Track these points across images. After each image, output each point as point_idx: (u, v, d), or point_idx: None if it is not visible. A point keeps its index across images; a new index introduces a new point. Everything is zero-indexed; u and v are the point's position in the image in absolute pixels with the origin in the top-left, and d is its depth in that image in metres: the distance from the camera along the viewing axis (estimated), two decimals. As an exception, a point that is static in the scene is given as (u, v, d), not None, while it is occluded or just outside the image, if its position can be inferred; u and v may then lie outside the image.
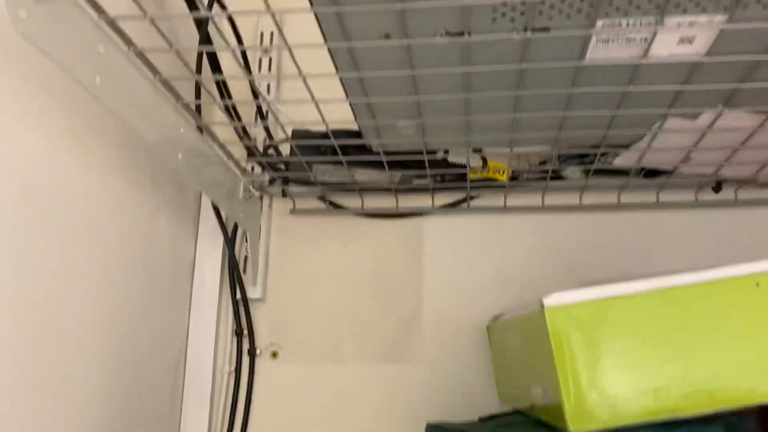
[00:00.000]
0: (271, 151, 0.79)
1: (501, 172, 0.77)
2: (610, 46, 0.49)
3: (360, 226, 0.85)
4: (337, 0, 0.44)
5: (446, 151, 0.76)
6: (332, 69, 0.53)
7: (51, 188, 0.54)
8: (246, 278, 0.82)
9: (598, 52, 0.50)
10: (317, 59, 0.54)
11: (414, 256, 0.83)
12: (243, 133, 0.78)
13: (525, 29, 0.47)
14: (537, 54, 0.50)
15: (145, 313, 0.70)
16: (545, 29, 0.47)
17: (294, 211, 0.85)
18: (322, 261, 0.84)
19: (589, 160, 0.72)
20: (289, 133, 0.71)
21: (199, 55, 0.75)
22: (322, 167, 0.74)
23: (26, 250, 0.50)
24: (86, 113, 0.58)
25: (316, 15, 0.46)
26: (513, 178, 0.79)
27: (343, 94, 0.57)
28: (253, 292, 0.82)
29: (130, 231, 0.67)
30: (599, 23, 0.46)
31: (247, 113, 0.87)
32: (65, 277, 0.55)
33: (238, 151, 0.79)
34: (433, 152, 0.72)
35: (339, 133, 0.69)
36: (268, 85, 0.89)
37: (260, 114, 0.84)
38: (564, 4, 0.44)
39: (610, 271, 0.79)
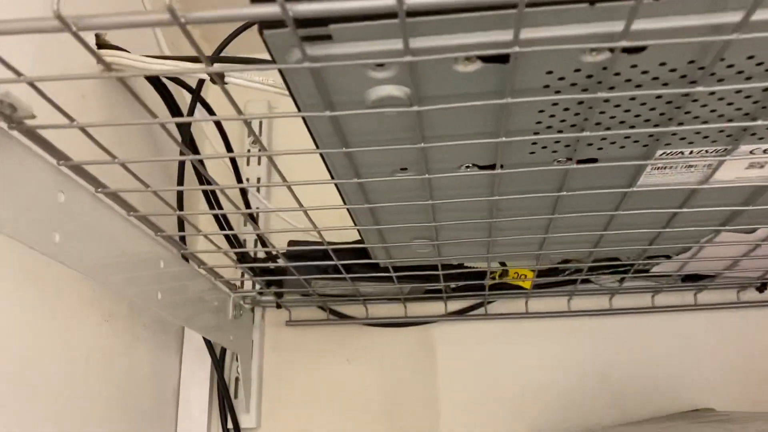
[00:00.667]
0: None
1: (523, 278, 0.69)
2: (667, 173, 0.41)
3: (365, 337, 0.76)
4: (347, 141, 0.36)
5: (463, 265, 0.68)
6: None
7: (9, 337, 0.45)
8: (238, 404, 0.73)
9: (651, 179, 0.42)
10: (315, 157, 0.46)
11: (427, 369, 0.74)
12: (234, 242, 0.70)
13: (568, 159, 0.39)
14: (578, 182, 0.43)
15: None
16: (592, 160, 0.39)
17: (290, 323, 0.76)
18: (323, 379, 0.75)
19: (624, 270, 0.64)
20: (283, 244, 0.62)
21: (179, 194, 0.67)
22: (322, 282, 0.65)
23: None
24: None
25: (321, 156, 0.38)
26: (539, 284, 0.71)
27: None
28: (246, 421, 0.72)
29: (105, 370, 0.58)
30: (658, 152, 0.39)
31: (236, 218, 0.78)
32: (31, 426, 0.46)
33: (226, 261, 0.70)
34: (449, 264, 0.64)
35: (342, 251, 0.61)
36: (258, 179, 0.82)
37: (252, 219, 0.76)
38: (618, 136, 0.37)
39: (644, 377, 0.70)
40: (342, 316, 0.76)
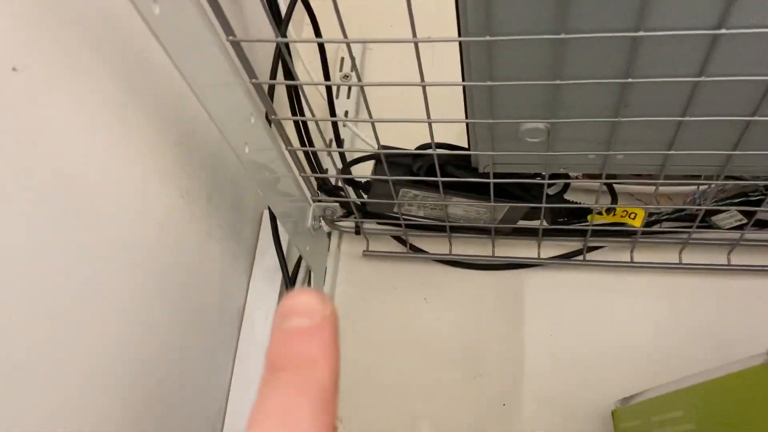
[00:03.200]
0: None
1: (632, 216, 0.62)
2: None
3: (446, 277, 0.70)
4: None
5: (566, 185, 0.61)
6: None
7: (89, 187, 0.41)
8: (305, 330, 0.67)
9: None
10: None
11: (514, 318, 0.67)
12: (313, 157, 0.65)
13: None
14: (745, 18, 0.37)
15: (181, 359, 0.56)
16: (773, -34, 0.33)
17: (367, 253, 0.70)
18: (397, 317, 0.69)
19: (756, 199, 0.56)
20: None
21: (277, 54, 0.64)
22: (411, 192, 0.60)
23: (49, 260, 0.37)
24: (138, 90, 0.47)
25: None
26: (650, 224, 0.64)
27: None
28: (312, 348, 0.67)
29: (176, 254, 0.54)
30: None
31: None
32: (89, 299, 0.42)
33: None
34: (554, 178, 0.57)
35: (439, 147, 0.56)
36: (346, 112, 0.78)
37: (337, 138, 0.72)
38: None
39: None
40: (423, 252, 0.70)
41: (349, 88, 0.79)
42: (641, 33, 0.38)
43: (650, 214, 0.62)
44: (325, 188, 0.64)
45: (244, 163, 0.47)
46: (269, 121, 0.52)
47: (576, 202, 0.63)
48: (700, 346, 0.63)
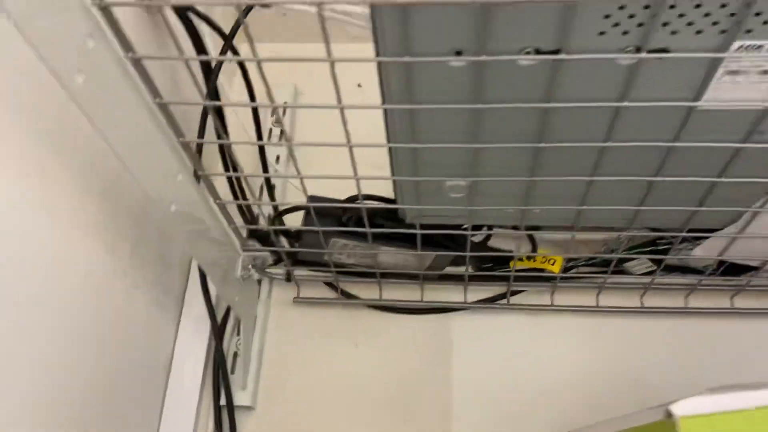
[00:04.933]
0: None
1: (552, 262, 0.65)
2: (738, 81, 0.38)
3: (377, 322, 0.71)
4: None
5: (489, 233, 0.64)
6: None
7: (10, 239, 0.40)
8: (234, 380, 0.67)
9: (720, 91, 0.39)
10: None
11: (442, 360, 0.68)
12: (244, 202, 0.66)
13: (638, 50, 0.37)
14: (641, 90, 0.40)
15: (105, 414, 0.54)
16: (663, 50, 0.37)
17: (298, 300, 0.71)
18: (327, 363, 0.69)
19: (663, 248, 0.60)
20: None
21: (204, 113, 0.65)
22: (341, 241, 0.61)
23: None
24: (61, 145, 0.46)
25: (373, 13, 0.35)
26: (567, 270, 0.67)
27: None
28: (241, 398, 0.66)
29: (99, 306, 0.53)
30: (735, 45, 0.36)
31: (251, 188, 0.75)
32: (7, 350, 0.41)
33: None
34: (477, 228, 0.60)
35: (369, 198, 0.58)
36: (278, 157, 0.79)
37: (268, 186, 0.73)
38: (698, 12, 0.34)
39: (685, 384, 0.65)
40: (354, 298, 0.71)
41: (281, 133, 0.80)
42: (552, 104, 0.41)
43: (568, 260, 0.66)
44: (258, 234, 0.65)
45: (170, 220, 0.47)
46: (198, 177, 0.52)
47: (499, 250, 0.66)
48: (617, 386, 0.66)
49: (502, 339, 0.69)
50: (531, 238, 0.66)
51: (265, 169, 0.71)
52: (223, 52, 0.65)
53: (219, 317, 0.68)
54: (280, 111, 0.83)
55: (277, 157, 0.79)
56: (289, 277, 0.70)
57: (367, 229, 0.57)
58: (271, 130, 0.81)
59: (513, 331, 0.69)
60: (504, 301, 0.69)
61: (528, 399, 0.66)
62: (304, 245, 0.63)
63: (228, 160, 0.64)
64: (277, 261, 0.69)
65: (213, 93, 0.62)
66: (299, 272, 0.70)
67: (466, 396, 0.67)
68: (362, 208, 0.55)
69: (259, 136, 0.68)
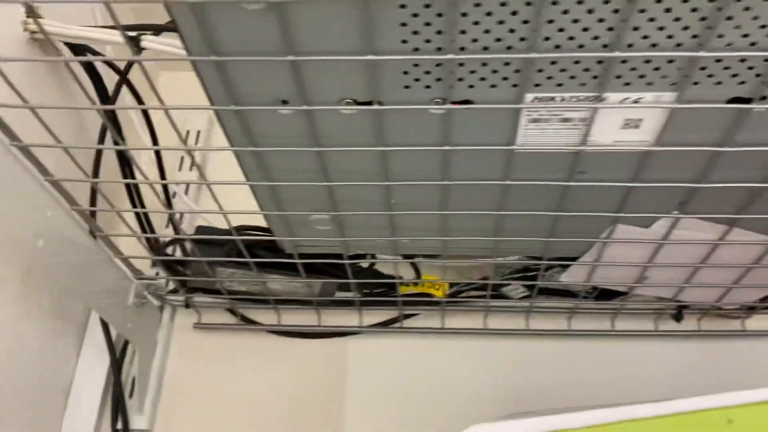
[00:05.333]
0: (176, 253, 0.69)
1: (437, 287, 0.68)
2: (544, 128, 0.42)
3: (275, 346, 0.73)
4: (217, 51, 0.37)
5: (373, 260, 0.67)
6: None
7: None
8: (132, 405, 0.68)
9: (530, 136, 0.43)
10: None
11: (336, 383, 0.71)
12: (147, 228, 0.68)
13: (444, 101, 0.40)
14: (462, 137, 0.43)
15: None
16: (468, 102, 0.40)
17: (198, 326, 0.73)
18: (226, 387, 0.71)
19: (532, 276, 0.64)
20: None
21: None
22: (228, 270, 0.64)
23: None
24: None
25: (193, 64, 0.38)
26: (452, 294, 0.70)
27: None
28: (138, 422, 0.68)
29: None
30: (528, 96, 0.39)
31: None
32: None
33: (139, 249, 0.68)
34: (358, 257, 0.62)
35: (247, 230, 0.60)
36: (187, 187, 0.81)
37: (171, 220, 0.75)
38: (486, 69, 0.37)
39: (561, 404, 0.68)
40: (252, 323, 0.73)
41: (192, 162, 0.83)
42: (381, 148, 0.44)
43: (452, 285, 0.68)
44: (164, 262, 0.67)
45: (37, 255, 0.49)
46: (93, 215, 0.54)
47: (386, 276, 0.68)
48: (503, 404, 0.69)
49: (396, 361, 0.72)
50: (414, 265, 0.69)
51: (169, 202, 0.73)
52: (119, 85, 0.67)
53: (121, 344, 0.70)
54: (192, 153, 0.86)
55: (186, 187, 0.81)
56: (188, 304, 0.72)
57: (245, 259, 0.59)
58: (182, 158, 0.83)
59: (406, 353, 0.72)
60: (397, 324, 0.72)
61: (419, 418, 0.69)
62: (194, 274, 0.65)
63: (134, 196, 0.66)
64: (189, 289, 0.71)
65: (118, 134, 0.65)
66: (201, 298, 0.72)
67: (358, 416, 0.69)
68: (237, 240, 0.57)
69: (162, 169, 0.71)
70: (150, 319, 0.71)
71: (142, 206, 0.67)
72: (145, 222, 0.68)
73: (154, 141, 0.70)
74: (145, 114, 0.70)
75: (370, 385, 0.70)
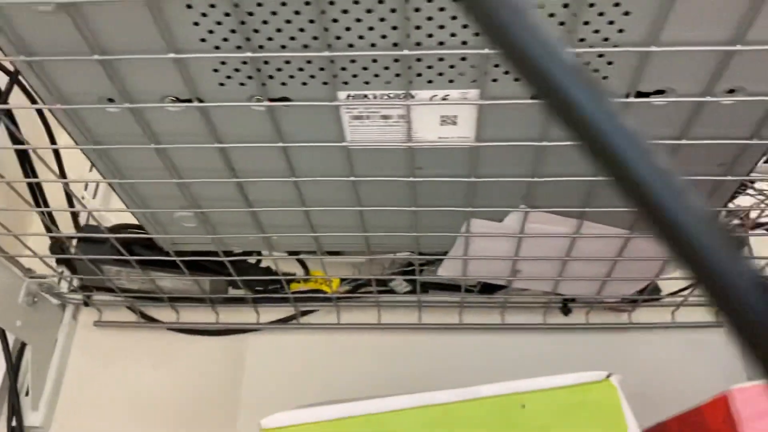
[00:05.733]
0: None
1: (328, 283, 0.69)
2: (368, 125, 0.43)
3: (176, 344, 0.74)
4: (31, 51, 0.38)
5: (259, 257, 0.68)
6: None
7: None
8: (27, 402, 0.69)
9: (357, 133, 0.44)
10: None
11: (232, 380, 0.72)
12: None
13: (260, 99, 0.41)
14: (297, 134, 0.44)
15: None
16: (286, 99, 0.41)
17: (99, 323, 0.74)
18: (126, 384, 0.72)
19: (411, 271, 0.65)
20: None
21: None
22: (114, 269, 0.65)
23: None
24: None
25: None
26: (350, 290, 0.71)
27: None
28: (32, 419, 0.69)
29: None
30: (341, 94, 0.40)
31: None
32: None
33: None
34: (247, 254, 0.64)
35: (129, 228, 0.62)
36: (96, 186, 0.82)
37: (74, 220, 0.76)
38: (291, 67, 0.39)
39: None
40: (152, 320, 0.74)
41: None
42: (203, 145, 0.45)
43: (342, 281, 0.70)
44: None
45: None
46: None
47: (275, 272, 0.70)
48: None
49: (293, 357, 0.73)
50: (300, 262, 0.70)
51: (70, 203, 0.74)
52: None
53: (17, 344, 0.70)
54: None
55: (96, 186, 0.82)
56: (86, 302, 0.73)
57: (121, 257, 0.60)
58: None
59: (303, 348, 0.73)
60: (294, 321, 0.73)
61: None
62: (84, 272, 0.66)
63: (38, 195, 0.67)
64: (82, 287, 0.72)
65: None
66: (101, 296, 0.73)
67: (252, 412, 0.70)
68: (111, 239, 0.58)
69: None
70: (47, 317, 0.72)
71: (45, 205, 0.68)
72: (48, 221, 0.69)
73: (52, 141, 0.71)
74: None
75: (266, 382, 0.72)
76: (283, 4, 0.34)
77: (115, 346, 0.74)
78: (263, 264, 0.68)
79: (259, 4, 0.34)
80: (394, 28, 0.36)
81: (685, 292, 0.67)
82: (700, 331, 0.71)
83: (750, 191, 0.53)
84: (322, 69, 0.39)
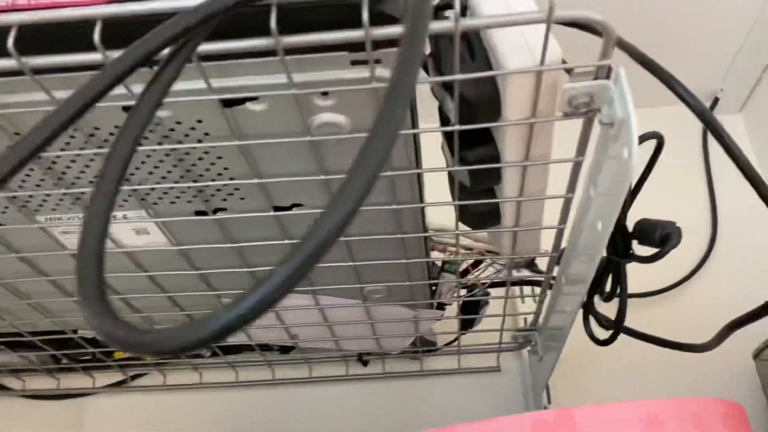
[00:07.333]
0: None
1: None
2: (75, 227, 0.52)
3: (25, 410, 0.82)
4: None
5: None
6: None
7: None
8: None
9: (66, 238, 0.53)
10: None
11: (72, 443, 0.80)
12: None
13: None
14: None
15: None
16: (-2, 223, 0.50)
17: (-50, 395, 0.82)
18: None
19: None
20: None
21: None
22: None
23: None
24: None
25: None
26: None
27: None
28: None
29: None
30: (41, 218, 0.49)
31: None
32: None
33: None
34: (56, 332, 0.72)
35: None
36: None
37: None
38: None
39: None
40: (4, 389, 0.82)
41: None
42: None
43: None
44: None
45: None
46: None
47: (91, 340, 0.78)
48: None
49: (128, 418, 0.81)
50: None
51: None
52: None
53: None
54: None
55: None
56: (-66, 375, 0.81)
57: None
58: None
59: (136, 410, 0.81)
60: (126, 384, 0.81)
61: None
62: None
63: None
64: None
65: None
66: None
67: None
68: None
69: None
70: None
71: None
72: None
73: None
74: None
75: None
76: None
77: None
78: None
79: None
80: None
81: (454, 343, 0.75)
82: (482, 375, 0.79)
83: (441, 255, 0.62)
84: (11, 202, 0.47)
